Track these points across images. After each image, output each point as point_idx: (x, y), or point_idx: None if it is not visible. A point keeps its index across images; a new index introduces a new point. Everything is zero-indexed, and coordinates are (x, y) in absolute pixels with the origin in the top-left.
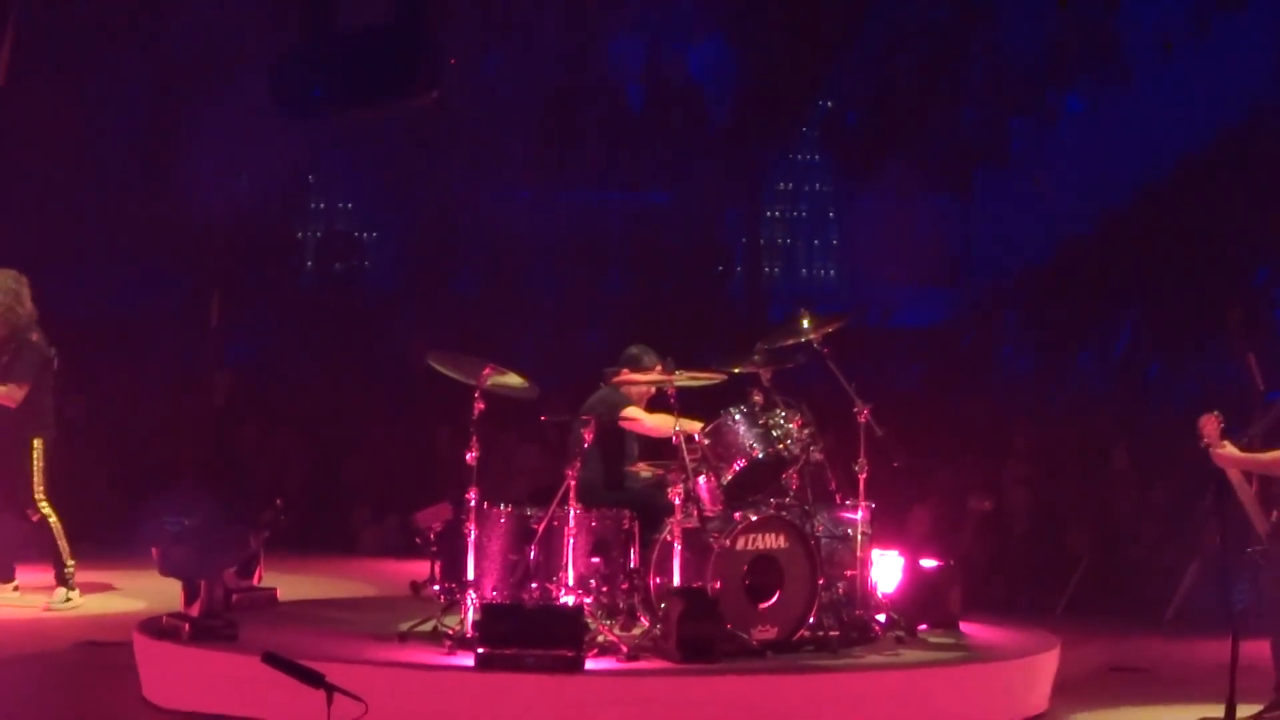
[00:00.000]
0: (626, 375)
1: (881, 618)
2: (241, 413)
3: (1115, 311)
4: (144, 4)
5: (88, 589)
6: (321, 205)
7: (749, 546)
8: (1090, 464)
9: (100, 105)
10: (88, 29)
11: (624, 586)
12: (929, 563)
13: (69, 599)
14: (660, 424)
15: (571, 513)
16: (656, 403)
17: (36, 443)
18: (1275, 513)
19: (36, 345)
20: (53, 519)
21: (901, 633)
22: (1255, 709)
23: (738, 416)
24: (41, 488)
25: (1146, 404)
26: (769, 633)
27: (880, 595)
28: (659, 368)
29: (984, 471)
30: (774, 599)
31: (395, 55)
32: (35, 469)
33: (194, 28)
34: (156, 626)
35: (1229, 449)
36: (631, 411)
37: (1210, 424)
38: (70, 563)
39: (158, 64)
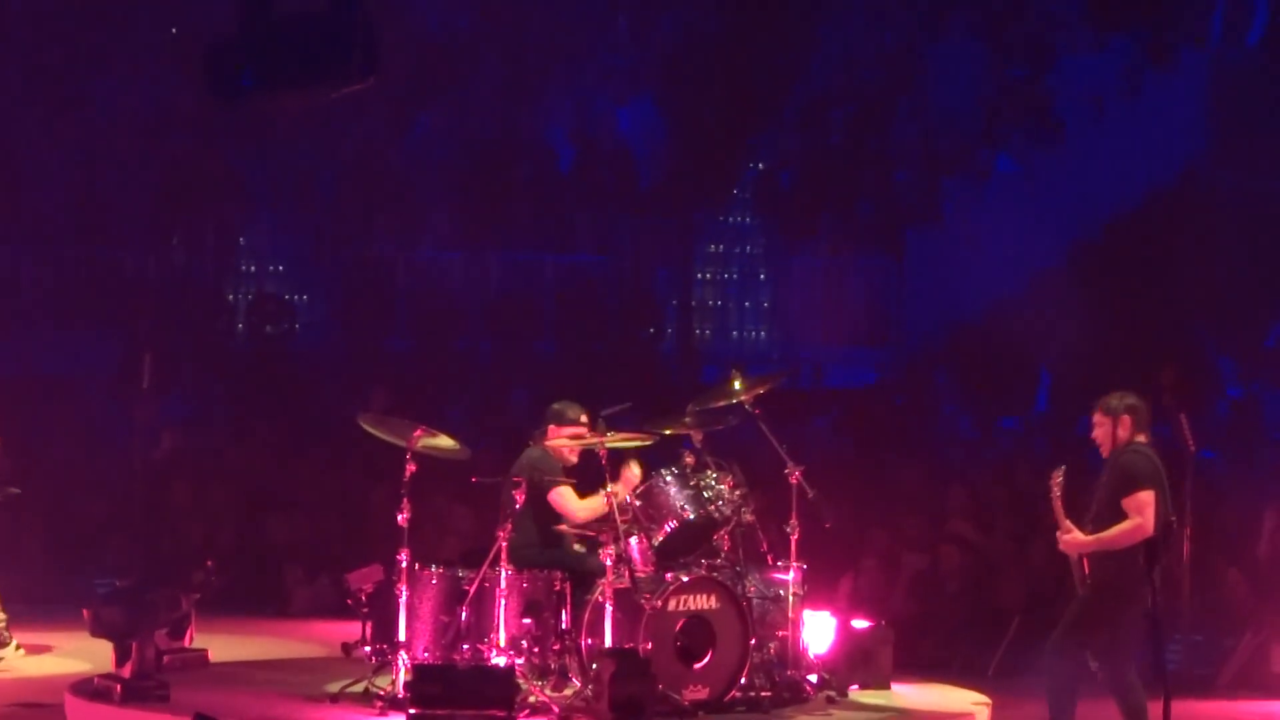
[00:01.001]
0: (555, 433)
1: (813, 678)
2: (175, 471)
3: (1045, 369)
4: (71, 67)
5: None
6: (252, 268)
7: (681, 607)
8: (1021, 522)
9: (31, 168)
10: (16, 94)
11: (556, 647)
12: (861, 623)
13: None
14: (592, 509)
15: (503, 574)
16: (586, 462)
17: None
18: (1087, 564)
19: None
20: None
21: (833, 693)
22: None
23: (669, 478)
24: None
25: (1076, 460)
26: (701, 693)
27: (812, 656)
28: (584, 420)
29: (917, 531)
30: (706, 659)
31: (330, 41)
32: None
33: (121, 87)
34: (89, 688)
35: (1075, 534)
36: (562, 494)
37: (1056, 503)
38: (2, 617)
39: (87, 126)
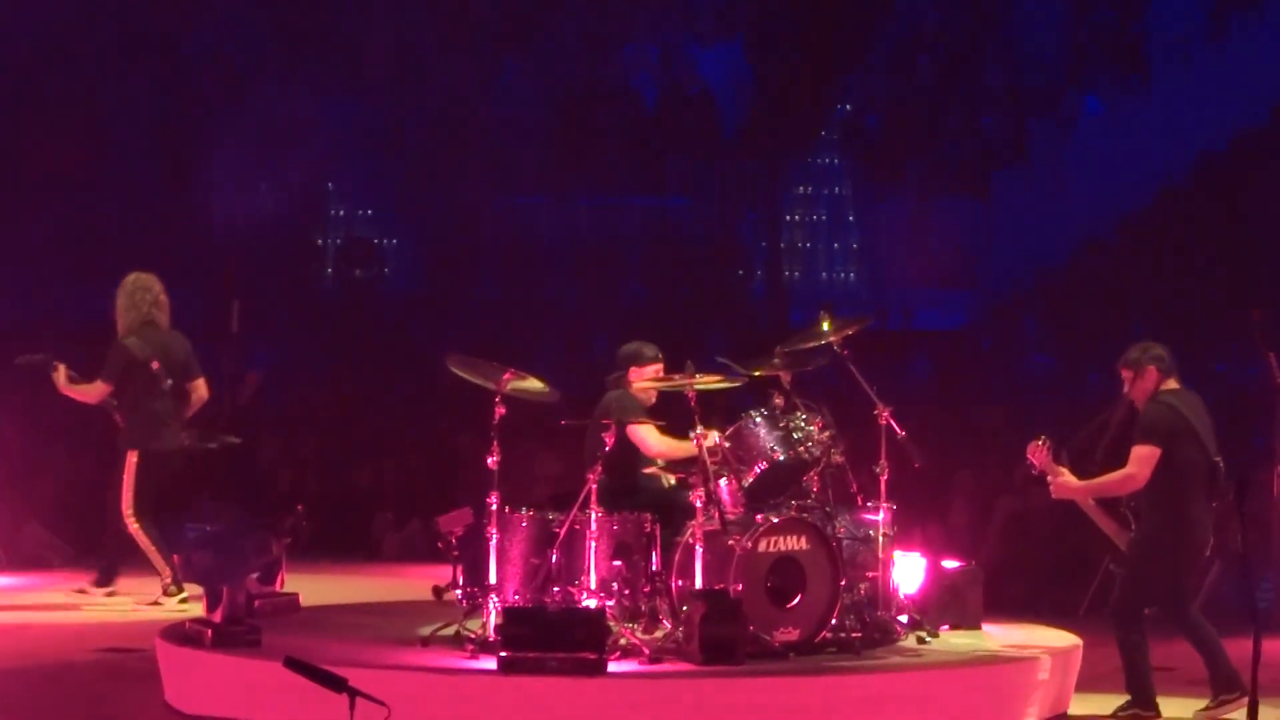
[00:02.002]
0: (636, 375)
1: (904, 619)
2: (263, 416)
3: (1133, 311)
4: (159, 16)
5: (110, 597)
6: (341, 212)
7: (771, 548)
8: (1110, 465)
9: (119, 117)
10: (104, 42)
11: (646, 589)
12: (951, 564)
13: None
14: (670, 447)
15: (593, 516)
16: (678, 406)
17: (131, 457)
18: (1135, 524)
19: (123, 346)
20: (141, 537)
21: (924, 633)
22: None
23: (759, 419)
24: (130, 504)
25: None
26: (791, 634)
27: (902, 597)
28: (660, 359)
29: (1004, 472)
30: (796, 601)
31: None
32: (125, 483)
33: (211, 38)
34: (180, 632)
35: (1067, 478)
36: (640, 430)
37: (1038, 454)
38: (168, 572)
39: (176, 75)
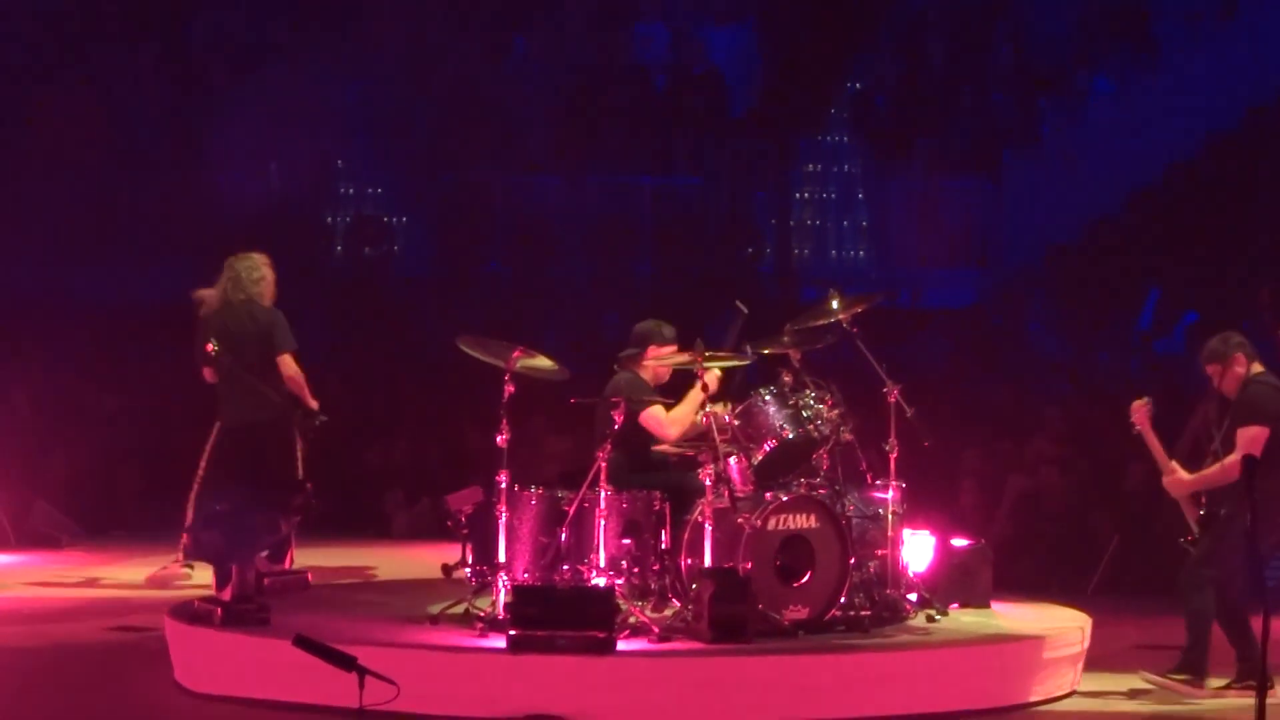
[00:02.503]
0: (655, 353)
1: (913, 597)
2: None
3: (1143, 288)
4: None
5: (118, 576)
6: (350, 190)
7: (780, 526)
8: (1119, 444)
9: (130, 98)
10: (113, 25)
11: (655, 568)
12: (960, 542)
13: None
14: (683, 419)
15: (602, 495)
16: (689, 382)
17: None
18: (1204, 500)
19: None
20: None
21: (933, 612)
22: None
23: (768, 397)
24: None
25: (1173, 383)
26: (801, 612)
27: (911, 575)
28: (676, 345)
29: (1015, 451)
30: (805, 579)
31: None
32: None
33: (219, 17)
34: (189, 611)
35: (1180, 474)
36: (653, 415)
37: (1140, 413)
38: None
39: (185, 54)
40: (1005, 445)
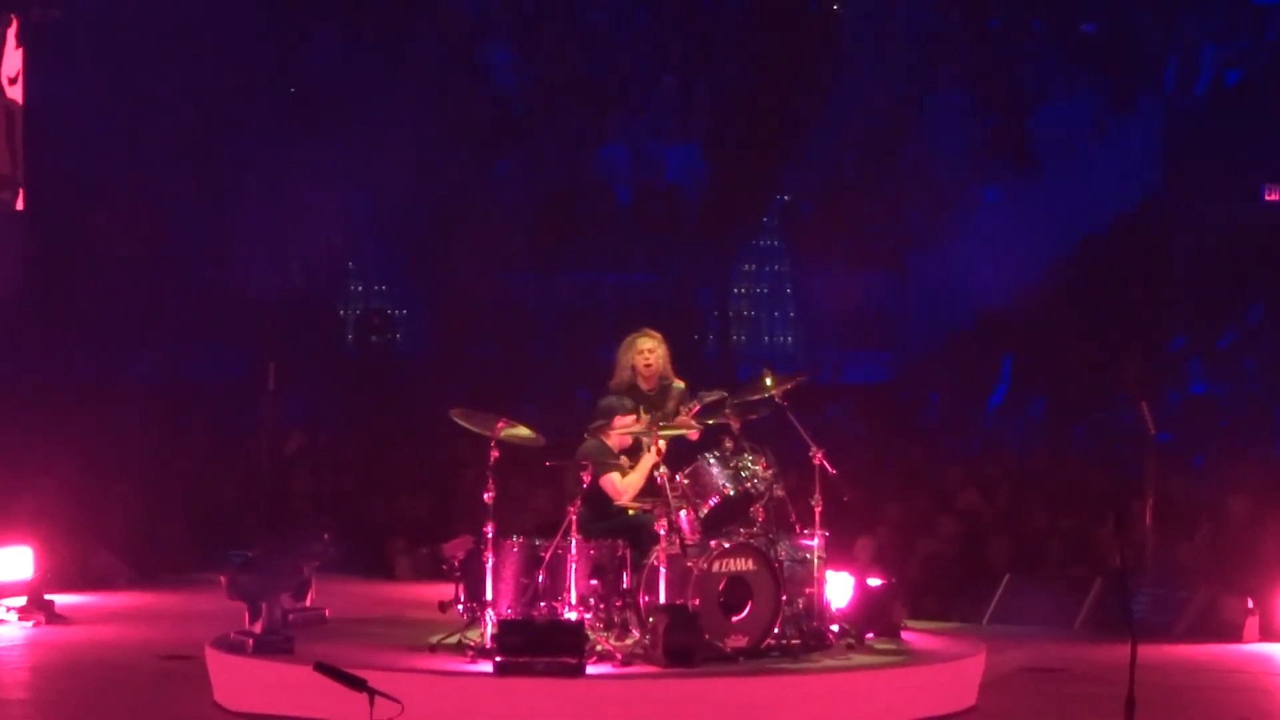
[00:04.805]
0: (619, 423)
1: (835, 628)
2: (297, 461)
3: (1026, 367)
4: (205, 122)
5: (167, 612)
6: (359, 287)
7: (723, 569)
8: (1014, 494)
9: (171, 208)
10: (156, 148)
11: (618, 604)
12: (875, 581)
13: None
14: (635, 486)
15: (573, 543)
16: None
17: None
18: None
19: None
20: None
21: (852, 641)
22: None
23: (712, 460)
24: None
25: (1063, 446)
26: (741, 641)
27: (834, 609)
28: (635, 415)
29: (922, 504)
30: (745, 613)
31: None
32: None
33: (250, 144)
34: (226, 641)
35: None
36: (611, 480)
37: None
38: None
39: (219, 175)
40: (914, 497)
